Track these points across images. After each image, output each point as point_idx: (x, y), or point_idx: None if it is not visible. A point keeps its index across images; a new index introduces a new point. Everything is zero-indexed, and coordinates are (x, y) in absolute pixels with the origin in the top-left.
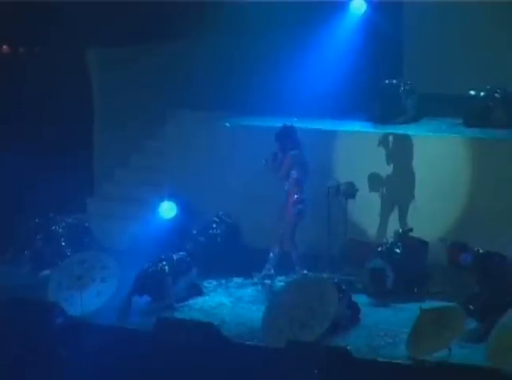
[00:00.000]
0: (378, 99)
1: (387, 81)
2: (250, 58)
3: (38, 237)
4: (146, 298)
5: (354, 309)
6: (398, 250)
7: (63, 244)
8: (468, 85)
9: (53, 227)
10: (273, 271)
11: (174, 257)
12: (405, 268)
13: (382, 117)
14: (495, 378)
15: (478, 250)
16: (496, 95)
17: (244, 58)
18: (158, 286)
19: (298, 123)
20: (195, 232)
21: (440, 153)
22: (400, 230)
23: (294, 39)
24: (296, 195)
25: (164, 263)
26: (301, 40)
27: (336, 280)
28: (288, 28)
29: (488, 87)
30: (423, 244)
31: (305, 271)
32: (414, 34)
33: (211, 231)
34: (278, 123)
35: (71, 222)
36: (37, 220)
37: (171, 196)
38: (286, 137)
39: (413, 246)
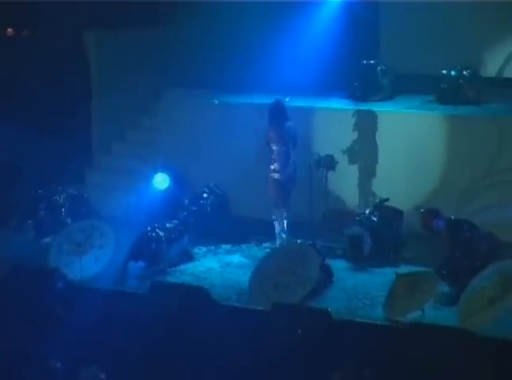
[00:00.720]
0: (357, 78)
1: (365, 62)
2: (237, 39)
3: (40, 206)
4: (141, 264)
5: (327, 272)
6: (375, 218)
7: (64, 213)
8: (440, 65)
9: (54, 197)
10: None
11: (167, 225)
12: (381, 235)
13: (360, 95)
14: (465, 337)
15: (449, 217)
16: (465, 74)
17: (231, 40)
18: (152, 252)
19: (290, 102)
20: (187, 202)
21: (413, 128)
22: (377, 200)
23: (279, 22)
24: (278, 165)
25: (158, 231)
26: (286, 23)
27: (317, 246)
28: (274, 12)
29: (458, 67)
30: (398, 213)
31: (288, 238)
32: (389, 18)
33: (201, 201)
34: (263, 100)
35: (71, 192)
36: (40, 191)
37: (164, 169)
38: (279, 110)
39: (389, 215)
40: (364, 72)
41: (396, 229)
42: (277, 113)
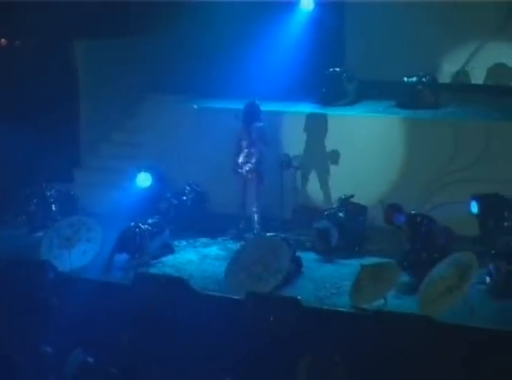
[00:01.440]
0: (323, 84)
1: (331, 69)
2: (214, 47)
3: (32, 202)
4: (125, 256)
5: (297, 263)
6: (341, 213)
7: (54, 209)
8: (402, 72)
9: (45, 194)
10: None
11: (150, 221)
12: (347, 228)
13: (327, 100)
14: (425, 323)
15: (410, 212)
16: (424, 80)
17: (209, 48)
18: (136, 245)
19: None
20: (168, 198)
21: (376, 130)
22: (343, 196)
23: (252, 32)
24: (246, 160)
25: (141, 225)
26: (258, 32)
27: (288, 240)
28: (247, 21)
29: (418, 73)
30: (363, 208)
31: (260, 232)
32: (354, 27)
33: (182, 198)
34: (238, 105)
35: (61, 190)
36: (32, 188)
37: (147, 168)
38: (252, 111)
39: (354, 210)
40: (331, 78)
41: (361, 223)
42: (250, 114)
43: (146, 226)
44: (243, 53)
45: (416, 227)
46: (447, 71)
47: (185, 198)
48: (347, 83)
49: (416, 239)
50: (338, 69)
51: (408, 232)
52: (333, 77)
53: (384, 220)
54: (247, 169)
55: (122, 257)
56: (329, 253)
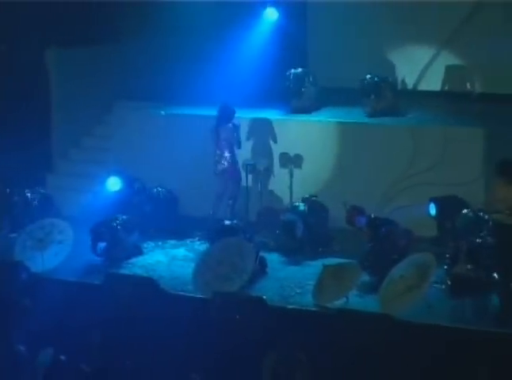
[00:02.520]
0: (288, 91)
1: (293, 70)
2: (182, 55)
3: (15, 204)
4: (97, 257)
5: (262, 263)
6: (306, 208)
7: (35, 210)
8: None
9: (27, 196)
10: None
11: (123, 217)
12: (311, 223)
13: (290, 101)
14: (385, 321)
15: (370, 214)
16: (385, 86)
17: (176, 56)
18: (108, 246)
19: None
20: (138, 202)
21: (337, 135)
22: (306, 196)
23: (219, 41)
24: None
25: (112, 226)
26: (225, 41)
27: (253, 240)
28: (214, 31)
29: (378, 79)
30: (325, 209)
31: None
32: (316, 37)
33: (151, 201)
34: (204, 112)
35: (34, 193)
36: (14, 190)
37: (117, 172)
38: (226, 113)
39: (316, 206)
40: (294, 79)
41: (323, 220)
42: (224, 115)
43: (119, 221)
44: (210, 60)
45: (376, 229)
46: (406, 77)
47: (154, 201)
48: (309, 85)
49: (376, 240)
50: (300, 70)
51: (369, 233)
52: (295, 78)
53: (346, 221)
54: (221, 169)
55: (94, 258)
56: (294, 250)
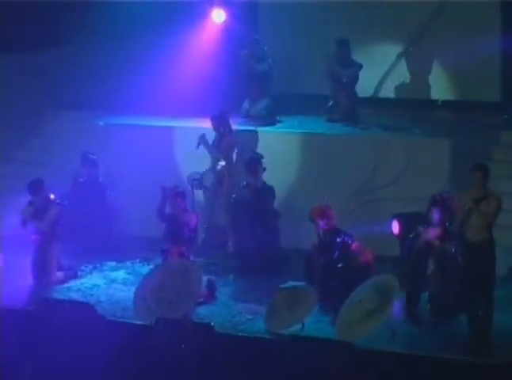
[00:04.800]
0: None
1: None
2: (121, 61)
3: None
4: (29, 281)
5: (211, 287)
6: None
7: None
8: (323, 86)
9: None
10: None
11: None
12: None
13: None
14: (343, 349)
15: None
16: (342, 93)
17: (115, 63)
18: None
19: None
20: (74, 220)
21: (293, 146)
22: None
23: (163, 46)
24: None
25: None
26: (169, 46)
27: (200, 262)
28: (158, 36)
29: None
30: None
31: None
32: (267, 40)
33: (87, 218)
34: (147, 123)
35: None
36: None
37: (51, 188)
38: (223, 120)
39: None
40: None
41: (276, 237)
42: (223, 122)
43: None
44: (152, 66)
45: (331, 238)
46: (367, 85)
47: (90, 218)
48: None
49: (329, 251)
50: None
51: (322, 240)
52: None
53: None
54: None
55: (26, 282)
56: (246, 271)
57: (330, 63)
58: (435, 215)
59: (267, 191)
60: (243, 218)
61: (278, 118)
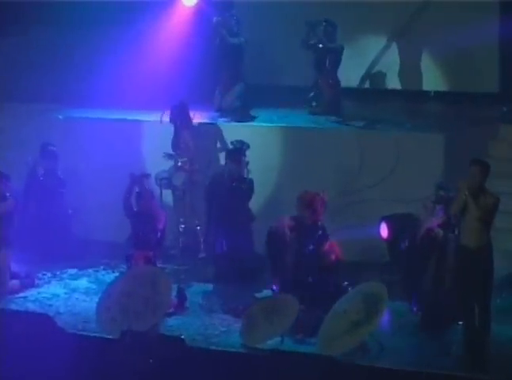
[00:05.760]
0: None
1: None
2: (80, 51)
3: None
4: None
5: (181, 296)
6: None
7: None
8: (304, 77)
9: None
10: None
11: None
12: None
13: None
14: (326, 365)
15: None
16: (323, 82)
17: (73, 52)
18: None
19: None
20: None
21: (270, 140)
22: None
23: (127, 33)
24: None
25: None
26: (135, 32)
27: (169, 269)
28: (122, 22)
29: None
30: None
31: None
32: (245, 26)
33: (44, 221)
34: (110, 116)
35: None
36: None
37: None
38: (182, 112)
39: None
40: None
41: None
42: (182, 114)
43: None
44: (114, 57)
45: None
46: (352, 74)
47: (48, 218)
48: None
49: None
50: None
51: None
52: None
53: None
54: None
55: None
56: (220, 279)
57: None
58: (439, 213)
59: (249, 183)
60: (220, 213)
61: (255, 111)
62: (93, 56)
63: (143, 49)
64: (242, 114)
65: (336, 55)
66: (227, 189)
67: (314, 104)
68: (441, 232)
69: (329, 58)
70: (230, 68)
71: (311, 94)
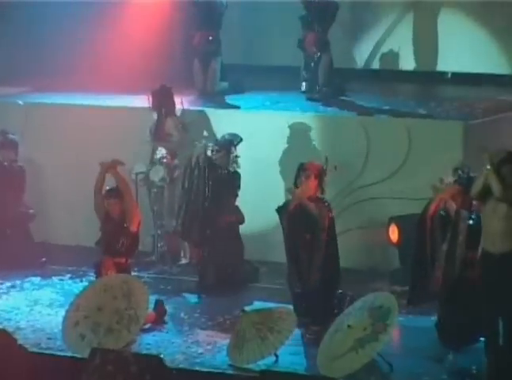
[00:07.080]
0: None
1: None
2: (38, 34)
3: None
4: None
5: (160, 309)
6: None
7: None
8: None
9: None
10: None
11: None
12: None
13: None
14: None
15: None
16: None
17: (31, 34)
18: None
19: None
20: None
21: (257, 129)
22: None
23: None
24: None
25: None
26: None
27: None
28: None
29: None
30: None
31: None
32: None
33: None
34: (76, 101)
35: None
36: None
37: None
38: (165, 98)
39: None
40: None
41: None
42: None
43: None
44: (72, 41)
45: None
46: (357, 53)
47: (5, 218)
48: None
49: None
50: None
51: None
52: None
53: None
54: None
55: None
56: (205, 289)
57: None
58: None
59: (233, 176)
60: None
61: (244, 95)
62: (58, 35)
63: (116, 24)
64: (230, 98)
65: (329, 13)
66: (205, 178)
67: (305, 84)
68: (453, 206)
69: (320, 15)
70: (208, 24)
71: (306, 75)
